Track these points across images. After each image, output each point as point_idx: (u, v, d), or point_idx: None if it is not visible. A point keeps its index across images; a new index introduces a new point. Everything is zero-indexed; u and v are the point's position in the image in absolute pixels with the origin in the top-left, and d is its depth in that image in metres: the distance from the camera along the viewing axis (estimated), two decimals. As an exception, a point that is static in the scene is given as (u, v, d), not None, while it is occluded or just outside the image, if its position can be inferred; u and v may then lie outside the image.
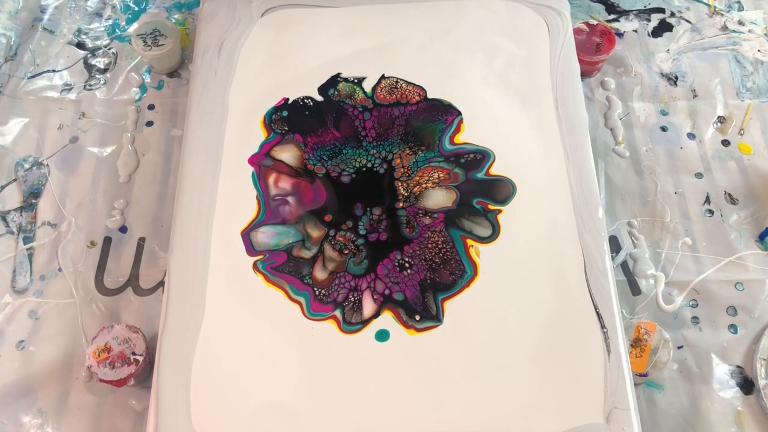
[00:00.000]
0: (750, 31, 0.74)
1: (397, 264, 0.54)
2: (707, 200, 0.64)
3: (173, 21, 0.73)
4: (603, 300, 0.51)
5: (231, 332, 0.51)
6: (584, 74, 0.69)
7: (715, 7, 0.76)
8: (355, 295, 0.52)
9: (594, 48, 0.67)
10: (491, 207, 0.56)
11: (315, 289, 0.53)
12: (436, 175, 0.57)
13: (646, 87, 0.70)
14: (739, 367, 0.56)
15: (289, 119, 0.60)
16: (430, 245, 0.54)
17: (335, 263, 0.54)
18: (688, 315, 0.58)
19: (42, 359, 0.56)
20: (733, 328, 0.58)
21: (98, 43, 0.74)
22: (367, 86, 0.62)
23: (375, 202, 0.56)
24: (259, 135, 0.60)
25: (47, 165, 0.66)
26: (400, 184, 0.57)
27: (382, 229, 0.55)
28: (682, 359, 0.56)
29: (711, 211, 0.63)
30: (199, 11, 0.67)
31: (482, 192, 0.56)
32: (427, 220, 0.55)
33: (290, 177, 0.58)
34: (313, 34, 0.65)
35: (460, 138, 0.59)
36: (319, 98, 0.62)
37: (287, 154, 0.59)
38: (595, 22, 0.69)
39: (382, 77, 0.62)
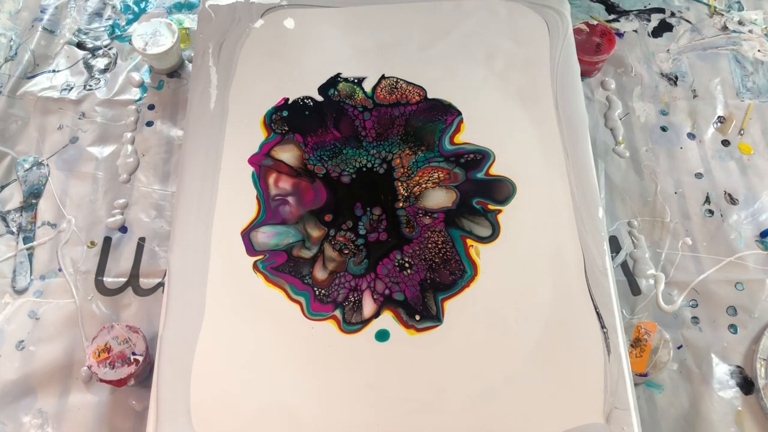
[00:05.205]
0: (750, 31, 0.74)
1: (397, 264, 0.54)
2: (707, 200, 0.64)
3: (173, 21, 0.73)
4: (603, 300, 0.51)
5: (231, 332, 0.51)
6: (584, 74, 0.69)
7: (715, 7, 0.76)
8: (355, 295, 0.52)
9: (594, 48, 0.67)
10: (491, 207, 0.56)
11: (315, 288, 0.53)
12: (436, 175, 0.57)
13: (646, 87, 0.70)
14: (739, 367, 0.56)
15: (289, 119, 0.60)
16: (430, 245, 0.54)
17: (335, 263, 0.54)
18: (688, 315, 0.58)
19: (42, 359, 0.57)
20: (733, 328, 0.58)
21: (98, 43, 0.74)
22: (367, 86, 0.62)
23: (375, 202, 0.56)
24: (259, 135, 0.60)
25: (47, 165, 0.66)
26: (400, 184, 0.57)
27: (382, 229, 0.55)
28: (682, 359, 0.56)
29: (711, 211, 0.63)
30: (199, 11, 0.67)
31: (482, 192, 0.56)
32: (427, 220, 0.55)
33: (290, 177, 0.58)
34: (313, 34, 0.65)
35: (460, 138, 0.59)
36: (319, 98, 0.62)
37: (287, 154, 0.59)
38: (595, 22, 0.69)
39: (382, 77, 0.62)
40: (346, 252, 0.54)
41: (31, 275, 0.61)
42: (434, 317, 0.51)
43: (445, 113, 0.60)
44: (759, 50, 0.72)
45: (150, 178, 0.65)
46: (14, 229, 0.63)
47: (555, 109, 0.60)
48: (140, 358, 0.53)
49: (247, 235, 0.55)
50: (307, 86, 0.62)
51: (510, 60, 0.63)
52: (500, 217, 0.55)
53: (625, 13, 0.76)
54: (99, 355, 0.53)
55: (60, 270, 0.61)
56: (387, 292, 0.53)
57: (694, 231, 0.62)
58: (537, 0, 0.65)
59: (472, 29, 0.65)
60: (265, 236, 0.55)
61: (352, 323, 0.51)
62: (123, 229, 0.63)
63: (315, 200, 0.57)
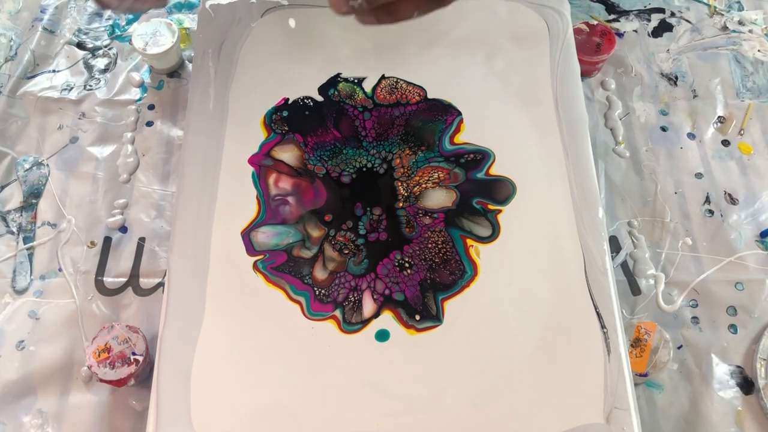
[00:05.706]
0: (750, 31, 0.74)
1: (397, 264, 0.54)
2: (707, 200, 0.64)
3: (173, 21, 0.73)
4: (603, 300, 0.51)
5: (231, 332, 0.51)
6: (584, 74, 0.69)
7: (715, 7, 0.76)
8: (355, 295, 0.52)
9: (594, 48, 0.67)
10: (491, 207, 0.56)
11: (315, 288, 0.53)
12: (436, 175, 0.57)
13: (646, 87, 0.70)
14: (739, 367, 0.56)
15: (289, 119, 0.60)
16: (429, 245, 0.54)
17: (335, 263, 0.54)
18: (688, 315, 0.58)
19: (42, 359, 0.56)
20: (733, 328, 0.58)
21: (98, 43, 0.74)
22: (367, 86, 0.62)
23: (375, 202, 0.56)
24: (259, 135, 0.60)
25: (47, 165, 0.66)
26: (400, 184, 0.57)
27: (382, 229, 0.55)
28: (682, 359, 0.56)
29: (711, 211, 0.63)
30: (199, 11, 0.67)
31: (482, 192, 0.56)
32: (427, 220, 0.55)
33: (290, 177, 0.58)
34: (313, 34, 0.65)
35: (460, 138, 0.59)
36: (319, 98, 0.62)
37: (287, 154, 0.59)
38: (595, 22, 0.69)
39: (382, 77, 0.62)
40: (346, 252, 0.54)
41: (31, 275, 0.61)
42: (434, 317, 0.51)
43: (445, 113, 0.60)
44: (759, 50, 0.72)
45: (150, 178, 0.65)
46: (14, 229, 0.63)
47: (555, 109, 0.60)
48: (140, 358, 0.53)
49: (247, 235, 0.55)
50: (307, 86, 0.62)
51: (510, 60, 0.63)
52: (500, 217, 0.55)
53: (625, 13, 0.76)
54: (99, 355, 0.53)
55: (60, 270, 0.61)
56: (387, 292, 0.53)
57: (694, 231, 0.62)
58: (537, 0, 0.65)
59: (472, 29, 0.65)
60: (265, 236, 0.55)
61: (352, 323, 0.51)
62: (123, 229, 0.63)
63: (315, 200, 0.57)
